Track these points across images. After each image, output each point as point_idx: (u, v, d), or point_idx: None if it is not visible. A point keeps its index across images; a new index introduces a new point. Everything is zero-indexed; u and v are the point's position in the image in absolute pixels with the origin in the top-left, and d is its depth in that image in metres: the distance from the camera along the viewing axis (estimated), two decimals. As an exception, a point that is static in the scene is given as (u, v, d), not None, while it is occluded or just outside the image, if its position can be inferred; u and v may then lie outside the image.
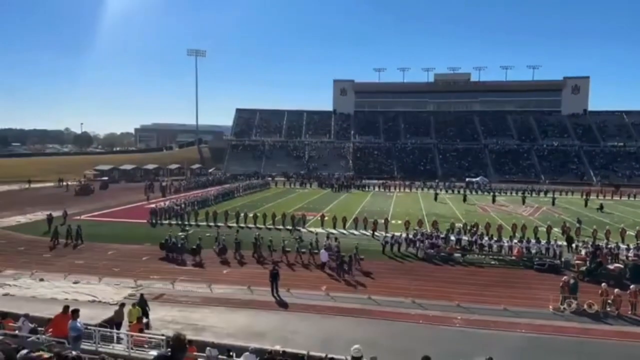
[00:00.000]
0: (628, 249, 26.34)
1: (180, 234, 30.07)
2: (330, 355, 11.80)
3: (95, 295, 20.10)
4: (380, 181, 75.88)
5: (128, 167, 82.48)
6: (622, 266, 24.00)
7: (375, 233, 33.71)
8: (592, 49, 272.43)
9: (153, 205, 42.31)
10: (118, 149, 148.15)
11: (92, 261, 25.92)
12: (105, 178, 71.55)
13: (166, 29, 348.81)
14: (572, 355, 15.15)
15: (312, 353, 12.00)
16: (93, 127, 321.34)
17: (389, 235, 30.45)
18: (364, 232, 34.68)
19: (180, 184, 64.49)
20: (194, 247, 26.60)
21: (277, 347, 12.82)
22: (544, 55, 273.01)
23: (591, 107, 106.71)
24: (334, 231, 33.80)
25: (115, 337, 13.04)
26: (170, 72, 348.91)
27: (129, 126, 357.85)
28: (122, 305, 16.02)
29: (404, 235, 30.27)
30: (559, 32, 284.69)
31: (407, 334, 16.66)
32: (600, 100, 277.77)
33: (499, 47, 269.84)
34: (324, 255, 25.13)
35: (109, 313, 15.89)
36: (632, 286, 19.70)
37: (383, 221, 35.55)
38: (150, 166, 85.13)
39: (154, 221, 37.80)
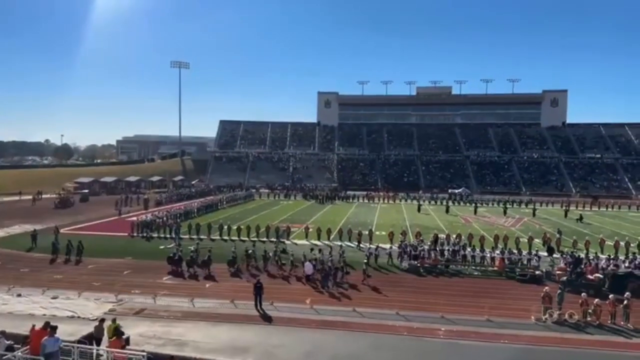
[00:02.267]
0: (609, 259, 26.83)
1: (191, 247, 29.15)
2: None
3: (74, 310, 19.63)
4: (365, 192, 76.21)
5: (109, 179, 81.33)
6: (601, 276, 24.39)
7: (361, 244, 33.79)
8: (570, 62, 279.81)
9: (134, 219, 41.73)
10: (99, 161, 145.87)
11: (71, 275, 25.37)
12: (86, 191, 70.38)
13: (149, 40, 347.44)
14: (554, 365, 15.29)
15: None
16: (74, 139, 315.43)
17: (373, 246, 30.50)
18: (348, 243, 34.68)
19: (162, 197, 63.76)
20: (205, 259, 26.41)
21: (261, 362, 12.68)
22: (523, 69, 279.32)
23: (569, 119, 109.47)
24: (318, 243, 33.74)
25: (94, 354, 12.74)
26: (153, 83, 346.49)
27: (110, 138, 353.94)
28: (102, 320, 15.66)
29: (390, 246, 30.46)
30: (538, 46, 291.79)
31: (391, 347, 16.63)
32: (578, 113, 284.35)
33: (479, 61, 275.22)
34: (308, 268, 25.02)
35: (89, 329, 15.51)
36: (611, 296, 20.04)
37: (367, 232, 35.64)
38: (132, 178, 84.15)
39: (135, 234, 37.25)
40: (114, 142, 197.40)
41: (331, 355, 15.38)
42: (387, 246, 31.05)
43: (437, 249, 29.73)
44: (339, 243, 33.58)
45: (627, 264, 26.23)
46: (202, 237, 36.14)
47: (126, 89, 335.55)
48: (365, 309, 20.35)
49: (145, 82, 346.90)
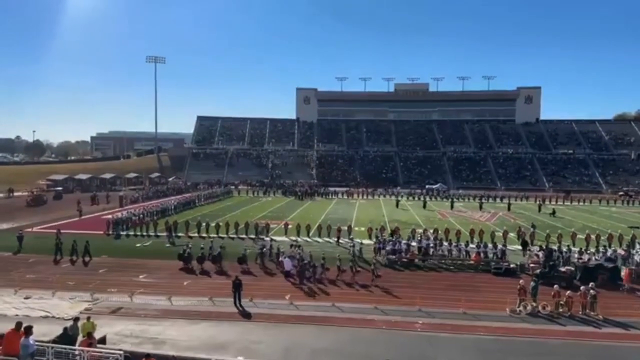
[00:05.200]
0: (581, 252, 27.61)
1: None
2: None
3: (48, 310, 19.21)
4: (345, 189, 76.51)
5: (83, 176, 79.61)
6: (572, 268, 25.13)
7: (340, 240, 33.98)
8: (544, 60, 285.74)
9: (110, 216, 41.02)
10: (73, 157, 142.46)
11: (44, 275, 24.78)
12: (59, 188, 68.67)
13: (124, 34, 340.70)
14: (528, 356, 15.69)
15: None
16: (46, 135, 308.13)
17: (359, 241, 30.70)
18: (328, 239, 34.82)
19: (139, 194, 62.79)
20: (215, 255, 26.70)
21: (240, 359, 12.66)
22: (498, 66, 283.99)
23: (543, 116, 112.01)
24: (298, 239, 33.78)
25: (70, 354, 12.51)
26: (128, 78, 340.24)
27: (84, 134, 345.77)
28: (77, 319, 15.37)
29: (368, 242, 30.76)
30: (513, 44, 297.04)
31: (370, 340, 16.81)
32: (551, 109, 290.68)
33: (455, 58, 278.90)
34: (287, 264, 25.05)
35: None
36: (582, 287, 20.64)
37: (347, 228, 35.83)
38: (107, 175, 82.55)
39: (112, 232, 36.63)
40: (88, 139, 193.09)
41: (310, 349, 15.46)
42: (368, 242, 31.32)
43: (415, 243, 30.12)
44: (319, 239, 33.69)
45: (597, 257, 27.08)
46: (204, 235, 35.71)
47: (100, 84, 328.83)
48: (344, 304, 20.49)
49: (120, 77, 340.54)
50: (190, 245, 28.40)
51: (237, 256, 26.87)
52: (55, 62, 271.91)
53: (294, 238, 34.17)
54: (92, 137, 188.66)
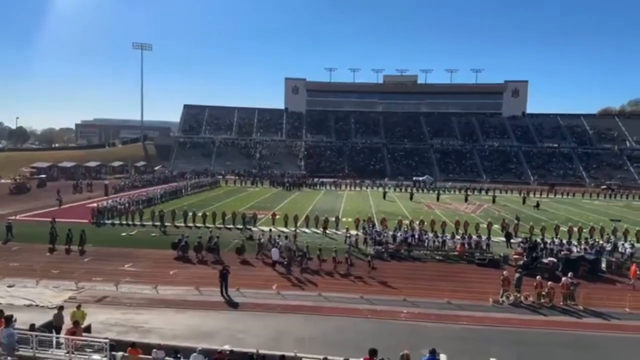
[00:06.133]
0: (561, 244, 28.15)
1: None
2: (281, 353, 11.85)
3: (32, 299, 19.06)
4: (333, 180, 76.63)
5: (68, 164, 78.40)
6: (555, 260, 25.61)
7: (327, 231, 34.13)
8: (530, 55, 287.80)
9: (95, 205, 40.59)
10: (57, 145, 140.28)
11: (28, 263, 24.48)
12: (43, 176, 67.64)
13: (110, 20, 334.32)
14: (510, 345, 16.01)
15: (261, 351, 12.00)
16: (30, 122, 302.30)
17: (353, 233, 31.05)
18: (315, 230, 34.92)
19: (125, 182, 62.16)
20: (212, 245, 26.65)
21: (226, 347, 12.71)
22: (486, 59, 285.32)
23: (529, 109, 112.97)
24: (285, 229, 33.83)
25: (54, 342, 12.46)
26: (114, 65, 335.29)
27: (69, 121, 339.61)
28: (61, 308, 15.29)
29: (356, 232, 31.00)
30: (501, 37, 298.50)
31: (355, 329, 17.01)
32: (537, 103, 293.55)
33: (444, 51, 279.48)
34: (275, 254, 25.11)
35: (48, 317, 15.13)
36: (563, 278, 21.09)
37: (334, 219, 35.97)
38: (92, 163, 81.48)
39: (96, 221, 36.27)
40: (72, 126, 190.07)
41: (295, 338, 15.58)
42: (356, 232, 31.56)
43: (401, 234, 30.38)
44: (306, 230, 33.79)
45: (579, 248, 27.64)
46: (190, 224, 35.55)
47: (86, 70, 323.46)
48: (330, 294, 20.66)
49: (106, 64, 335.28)
50: (187, 235, 28.30)
51: (236, 246, 27.06)
52: (39, 47, 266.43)
53: (288, 229, 34.19)
54: (76, 125, 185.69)
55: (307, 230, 34.90)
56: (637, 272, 23.41)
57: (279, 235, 29.29)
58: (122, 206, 40.10)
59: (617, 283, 23.96)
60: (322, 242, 29.54)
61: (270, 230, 32.50)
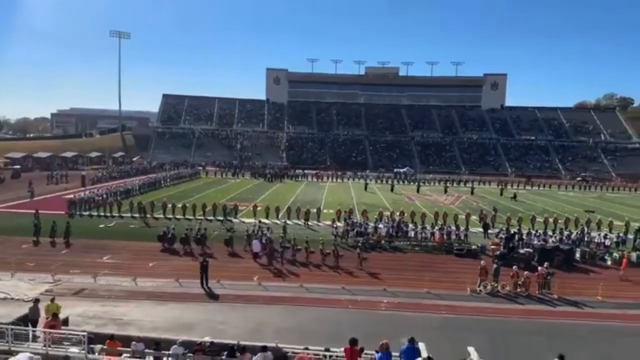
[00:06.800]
0: (537, 235, 28.81)
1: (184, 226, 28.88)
2: (263, 344, 11.87)
3: (7, 292, 18.65)
4: (314, 171, 76.68)
5: (43, 154, 76.59)
6: (531, 250, 26.20)
7: (308, 222, 34.20)
8: (510, 48, 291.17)
9: (71, 196, 39.80)
10: (32, 135, 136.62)
11: (3, 256, 23.88)
12: (18, 167, 65.95)
13: (87, 7, 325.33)
14: (487, 333, 16.35)
15: (242, 342, 12.01)
16: (3, 111, 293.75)
17: (340, 225, 31.24)
18: (297, 221, 34.94)
19: (102, 173, 61.05)
20: (199, 237, 26.44)
21: (207, 339, 12.68)
22: (466, 52, 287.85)
23: (508, 102, 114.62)
24: (266, 221, 33.76)
25: (30, 335, 12.24)
26: (91, 53, 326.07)
27: (44, 111, 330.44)
28: (37, 301, 15.01)
29: (341, 224, 31.29)
30: (481, 30, 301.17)
31: (336, 320, 17.13)
32: (516, 96, 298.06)
33: (425, 43, 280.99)
34: (256, 245, 25.04)
35: (24, 310, 14.84)
36: (539, 268, 21.61)
37: (316, 210, 36.03)
38: (69, 154, 79.78)
39: (72, 212, 35.58)
40: (48, 116, 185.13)
41: (276, 329, 15.63)
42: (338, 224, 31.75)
43: (382, 226, 30.64)
44: (288, 221, 33.78)
45: (554, 239, 28.33)
46: (169, 216, 35.11)
47: (62, 58, 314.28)
48: (311, 285, 20.75)
49: (83, 52, 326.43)
50: (173, 227, 27.99)
51: (224, 238, 26.98)
52: (12, 33, 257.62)
53: (269, 220, 34.12)
54: (52, 114, 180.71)
55: (289, 222, 34.88)
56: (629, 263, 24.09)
57: (267, 228, 29.17)
58: (100, 197, 39.44)
59: (590, 272, 24.67)
60: (306, 234, 29.61)
61: (260, 221, 32.47)
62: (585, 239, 29.49)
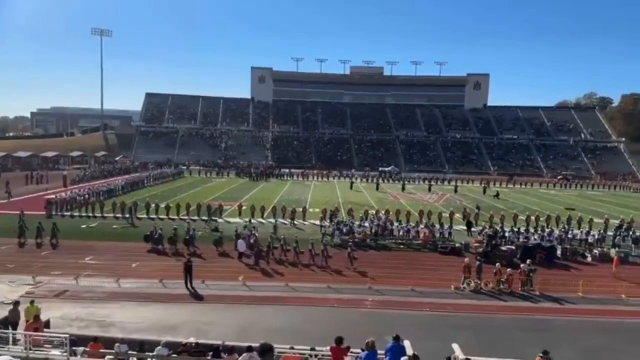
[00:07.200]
0: (519, 232, 29.23)
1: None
2: (248, 344, 11.81)
3: (-15, 294, 18.25)
4: (300, 170, 76.57)
5: (23, 154, 75.10)
6: (513, 247, 26.58)
7: (294, 222, 34.15)
8: (492, 48, 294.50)
9: (52, 196, 39.10)
10: (11, 134, 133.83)
11: (-20, 258, 23.41)
12: (-4, 166, 64.60)
13: (68, 4, 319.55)
14: (470, 329, 16.54)
15: (227, 343, 11.94)
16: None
17: (327, 224, 31.41)
18: (282, 220, 34.86)
19: (85, 173, 60.09)
20: (187, 237, 26.19)
21: (191, 339, 12.58)
22: (450, 52, 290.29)
23: (490, 102, 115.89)
24: (252, 220, 33.60)
25: (10, 338, 12.00)
26: (72, 51, 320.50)
27: (24, 109, 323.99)
28: (17, 303, 14.73)
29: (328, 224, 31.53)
30: (464, 31, 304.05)
31: (322, 318, 17.16)
32: (498, 96, 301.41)
33: (410, 43, 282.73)
34: (241, 245, 24.92)
35: (3, 313, 14.55)
36: (522, 265, 21.94)
37: (301, 209, 36.00)
38: (50, 153, 78.36)
39: (50, 213, 34.83)
40: (28, 114, 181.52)
41: (261, 329, 15.57)
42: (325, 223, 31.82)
43: (367, 224, 30.76)
44: (272, 221, 33.70)
45: (536, 236, 28.77)
46: (152, 216, 34.67)
47: (42, 56, 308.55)
48: (297, 284, 20.73)
49: (64, 49, 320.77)
50: (160, 227, 27.68)
51: (214, 238, 26.86)
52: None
53: (255, 219, 33.97)
54: (32, 113, 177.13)
55: (273, 221, 34.75)
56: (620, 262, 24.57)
57: (254, 227, 29.00)
58: (82, 197, 38.83)
59: (571, 269, 25.12)
60: (294, 233, 29.56)
61: (250, 221, 32.31)
62: (569, 235, 30.05)
